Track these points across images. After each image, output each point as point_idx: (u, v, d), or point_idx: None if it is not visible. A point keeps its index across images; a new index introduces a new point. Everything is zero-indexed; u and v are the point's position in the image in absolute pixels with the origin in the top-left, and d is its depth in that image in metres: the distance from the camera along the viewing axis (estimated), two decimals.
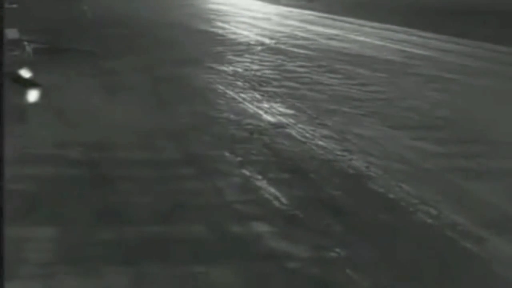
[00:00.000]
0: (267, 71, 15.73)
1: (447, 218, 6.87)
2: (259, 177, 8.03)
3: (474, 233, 6.49)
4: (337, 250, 6.00)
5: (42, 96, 6.99)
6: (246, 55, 18.29)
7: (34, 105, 7.25)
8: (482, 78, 15.49)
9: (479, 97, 13.54)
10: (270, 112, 11.49)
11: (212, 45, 20.18)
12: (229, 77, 14.76)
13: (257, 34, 23.51)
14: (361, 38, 23.09)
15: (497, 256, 6.03)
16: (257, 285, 5.41)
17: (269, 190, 7.58)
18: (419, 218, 6.90)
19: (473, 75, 15.94)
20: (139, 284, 5.30)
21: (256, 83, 14.10)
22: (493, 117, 11.58)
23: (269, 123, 10.78)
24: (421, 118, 11.34)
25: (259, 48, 19.99)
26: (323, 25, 27.19)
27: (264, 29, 25.51)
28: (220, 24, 26.80)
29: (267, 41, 21.60)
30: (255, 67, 16.30)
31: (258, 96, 12.78)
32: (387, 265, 5.80)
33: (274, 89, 13.56)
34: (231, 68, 16.12)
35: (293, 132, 10.22)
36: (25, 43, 16.85)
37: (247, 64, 16.76)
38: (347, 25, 27.64)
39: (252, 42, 21.24)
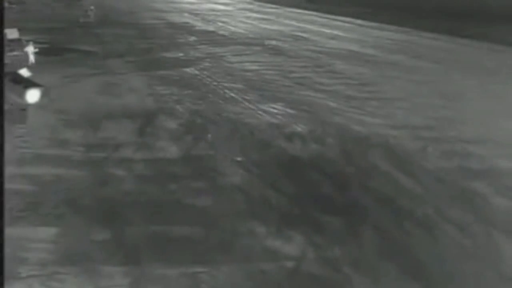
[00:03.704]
0: (267, 71, 15.74)
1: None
2: (258, 178, 8.03)
3: None
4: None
5: (42, 96, 6.99)
6: (246, 55, 18.29)
7: (34, 105, 7.26)
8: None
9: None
10: (270, 112, 11.49)
11: (212, 45, 20.18)
12: (229, 77, 14.76)
13: (256, 34, 23.50)
14: (361, 38, 23.13)
15: None
16: None
17: (268, 190, 7.59)
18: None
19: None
20: (139, 284, 5.32)
21: (256, 83, 14.10)
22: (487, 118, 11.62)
23: (269, 122, 10.79)
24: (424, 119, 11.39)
25: (259, 48, 19.99)
26: (323, 25, 27.20)
27: (264, 29, 25.51)
28: (220, 24, 26.80)
29: (266, 41, 21.60)
30: (255, 67, 16.29)
31: (258, 96, 12.78)
32: None
33: (274, 89, 13.56)
34: (231, 68, 16.12)
35: (294, 133, 10.23)
36: (25, 43, 16.86)
37: (247, 64, 16.76)
38: (347, 25, 27.68)
39: (252, 42, 21.24)
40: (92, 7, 27.03)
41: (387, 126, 10.69)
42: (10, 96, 6.52)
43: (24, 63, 10.63)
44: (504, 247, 6.31)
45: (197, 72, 15.50)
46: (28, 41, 16.95)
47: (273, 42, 21.34)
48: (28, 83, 6.81)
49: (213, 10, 34.03)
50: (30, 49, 14.92)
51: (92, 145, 9.15)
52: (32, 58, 14.79)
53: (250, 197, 7.41)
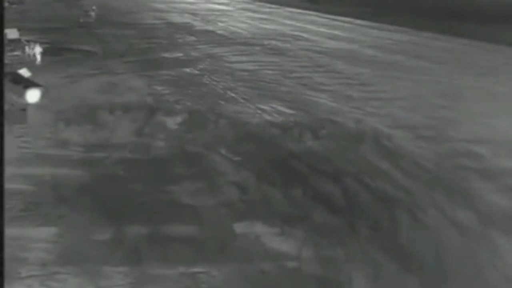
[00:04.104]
0: (267, 71, 15.74)
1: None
2: (255, 179, 8.05)
3: None
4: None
5: (42, 96, 7.01)
6: (246, 55, 18.29)
7: (34, 105, 7.28)
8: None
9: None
10: (269, 111, 11.50)
11: (212, 45, 20.18)
12: (229, 77, 14.76)
13: (256, 34, 23.50)
14: (360, 38, 23.14)
15: None
16: None
17: (266, 190, 7.61)
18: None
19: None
20: (139, 284, 5.32)
21: (256, 83, 14.10)
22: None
23: (269, 122, 10.79)
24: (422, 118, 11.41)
25: (259, 48, 19.99)
26: (323, 25, 27.20)
27: (264, 29, 25.50)
28: (220, 24, 26.80)
29: (267, 41, 21.61)
30: (255, 67, 16.30)
31: (258, 95, 12.79)
32: None
33: (274, 89, 13.57)
34: (231, 68, 16.12)
35: (293, 132, 10.24)
36: (25, 43, 16.87)
37: (247, 64, 16.76)
38: (347, 25, 27.69)
39: (252, 42, 21.25)
40: (94, 7, 27.09)
41: (387, 126, 10.69)
42: (10, 96, 6.53)
43: (31, 62, 10.72)
44: (500, 242, 6.32)
45: (197, 72, 15.51)
46: (32, 41, 16.92)
47: (273, 42, 21.35)
48: (28, 83, 6.83)
49: (213, 10, 34.04)
50: (38, 49, 15.01)
51: (91, 145, 9.15)
52: (39, 57, 14.90)
53: (248, 195, 7.43)
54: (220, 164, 8.54)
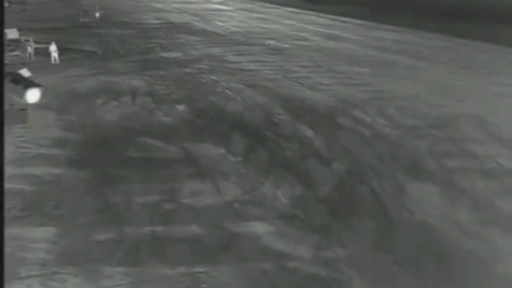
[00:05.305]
0: (266, 71, 15.73)
1: None
2: (258, 177, 8.05)
3: None
4: None
5: (42, 96, 7.01)
6: (246, 55, 18.27)
7: (34, 105, 7.28)
8: None
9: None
10: (269, 111, 11.51)
11: (212, 45, 20.16)
12: (228, 77, 14.75)
13: (256, 34, 23.49)
14: (355, 37, 23.14)
15: None
16: None
17: (266, 188, 7.62)
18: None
19: None
20: (139, 284, 5.32)
21: (255, 83, 14.09)
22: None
23: (266, 121, 10.79)
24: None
25: (259, 48, 19.98)
26: (322, 25, 27.19)
27: (264, 28, 25.50)
28: (220, 24, 26.80)
29: (266, 41, 21.59)
30: (255, 67, 16.28)
31: (257, 95, 12.78)
32: None
33: (274, 88, 13.55)
34: (230, 68, 16.10)
35: (290, 131, 10.25)
36: (25, 43, 16.85)
37: (247, 64, 16.73)
38: (346, 25, 27.70)
39: (252, 42, 21.22)
40: (97, 7, 27.16)
41: (387, 126, 10.69)
42: (10, 96, 6.52)
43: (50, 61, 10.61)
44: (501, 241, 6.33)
45: (196, 71, 15.50)
46: (28, 40, 16.86)
47: (273, 42, 21.34)
48: (28, 83, 6.82)
49: (213, 10, 34.05)
50: (53, 48, 15.08)
51: (91, 145, 9.15)
52: (56, 56, 14.91)
53: (245, 191, 7.46)
54: (220, 163, 8.57)
